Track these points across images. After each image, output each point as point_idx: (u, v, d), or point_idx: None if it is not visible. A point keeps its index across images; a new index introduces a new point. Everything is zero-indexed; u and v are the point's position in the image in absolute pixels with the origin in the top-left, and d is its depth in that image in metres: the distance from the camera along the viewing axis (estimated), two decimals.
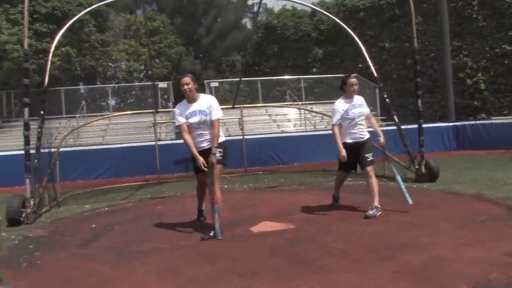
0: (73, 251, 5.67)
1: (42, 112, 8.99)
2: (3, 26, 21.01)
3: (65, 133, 12.13)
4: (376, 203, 6.42)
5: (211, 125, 6.01)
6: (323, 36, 31.75)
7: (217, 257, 4.88)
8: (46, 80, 9.23)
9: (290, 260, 4.59)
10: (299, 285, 3.85)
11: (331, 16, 14.76)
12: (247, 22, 41.13)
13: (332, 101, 23.32)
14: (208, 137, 6.06)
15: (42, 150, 8.86)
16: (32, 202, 7.84)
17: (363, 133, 6.79)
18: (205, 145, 6.10)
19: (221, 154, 5.98)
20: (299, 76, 26.44)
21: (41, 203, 8.46)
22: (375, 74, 11.03)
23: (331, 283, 3.86)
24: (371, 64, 11.08)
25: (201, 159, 5.88)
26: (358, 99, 6.84)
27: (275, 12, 34.00)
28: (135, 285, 4.19)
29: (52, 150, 9.94)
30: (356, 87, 6.80)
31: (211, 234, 5.72)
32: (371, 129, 6.92)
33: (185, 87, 6.00)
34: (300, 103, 23.93)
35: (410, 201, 6.55)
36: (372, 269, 4.14)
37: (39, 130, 8.76)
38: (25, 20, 8.01)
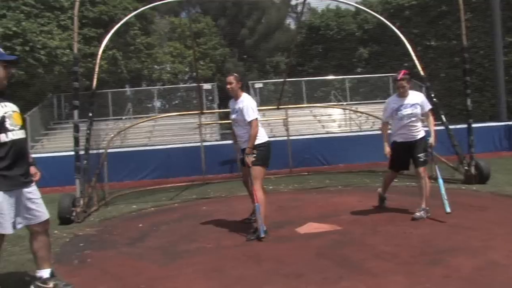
0: (121, 249, 5.79)
1: (90, 114, 9.21)
2: (54, 32, 21.62)
3: (112, 135, 12.38)
4: (424, 205, 6.29)
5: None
6: (367, 36, 31.34)
7: (263, 258, 4.89)
8: (95, 83, 9.44)
9: (337, 262, 4.56)
10: (345, 287, 3.81)
11: (376, 14, 14.56)
12: (291, 23, 41.09)
13: (377, 101, 23.20)
14: (245, 137, 6.11)
15: (91, 151, 9.07)
16: (82, 202, 8.06)
17: (415, 133, 6.63)
18: (242, 144, 6.20)
19: (256, 156, 5.95)
20: (344, 76, 26.19)
21: (90, 203, 8.67)
22: (422, 73, 10.76)
23: (378, 286, 3.81)
24: (417, 63, 10.84)
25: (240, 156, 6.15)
26: (413, 98, 6.63)
27: (318, 12, 33.74)
28: (182, 284, 4.24)
29: (100, 151, 10.16)
30: (403, 89, 6.64)
31: (256, 235, 5.74)
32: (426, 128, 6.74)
33: (228, 86, 6.19)
34: (345, 103, 23.72)
35: (448, 210, 6.14)
36: (421, 273, 4.06)
37: (88, 131, 8.97)
38: (75, 26, 8.24)
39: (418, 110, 6.60)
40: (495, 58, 20.67)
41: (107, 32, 10.32)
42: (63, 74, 22.45)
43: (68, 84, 23.09)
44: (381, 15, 15.14)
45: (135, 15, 22.12)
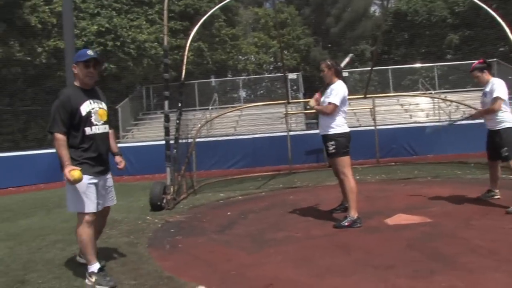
0: (211, 236, 5.92)
1: (180, 105, 9.47)
2: (143, 26, 22.45)
3: (200, 125, 12.67)
4: None
5: None
6: (458, 20, 29.90)
7: (352, 248, 4.83)
8: (183, 74, 9.69)
9: (428, 255, 4.40)
10: (438, 282, 3.67)
11: None
12: (375, 9, 40.10)
13: (468, 89, 22.13)
14: (324, 124, 6.10)
15: (180, 141, 9.34)
16: (172, 189, 8.32)
17: (492, 122, 6.37)
18: (322, 132, 6.19)
19: (333, 146, 5.94)
20: (432, 64, 25.19)
21: (179, 191, 8.96)
22: None
23: (475, 283, 3.62)
24: None
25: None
26: (491, 86, 6.38)
27: None
28: (271, 271, 4.26)
29: (189, 140, 10.44)
30: (476, 79, 6.60)
31: (344, 223, 5.73)
32: None
33: (321, 73, 6.21)
34: (433, 91, 22.84)
35: None
36: None
37: (178, 121, 9.23)
38: (165, 19, 8.49)
39: (491, 97, 6.34)
40: None
41: (193, 25, 10.54)
42: (151, 66, 23.32)
43: (155, 76, 23.99)
44: None
45: (220, 8, 22.50)
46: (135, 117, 23.94)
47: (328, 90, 6.05)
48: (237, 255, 4.92)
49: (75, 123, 4.24)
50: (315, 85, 32.66)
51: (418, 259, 4.31)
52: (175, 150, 8.90)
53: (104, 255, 4.91)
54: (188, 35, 10.72)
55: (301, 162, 14.10)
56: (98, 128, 4.38)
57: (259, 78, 29.18)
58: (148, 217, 7.31)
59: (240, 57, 30.21)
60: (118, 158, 4.80)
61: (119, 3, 22.11)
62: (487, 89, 6.37)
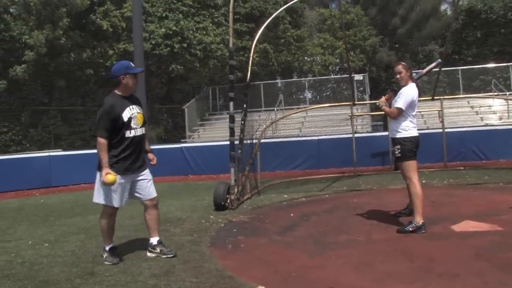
0: (272, 237, 5.96)
1: (245, 106, 9.57)
2: (209, 29, 22.88)
3: (265, 126, 12.74)
4: None
5: None
6: None
7: (415, 254, 4.74)
8: (249, 76, 9.78)
9: (498, 266, 4.22)
10: None
11: None
12: (445, 8, 38.85)
13: None
14: (393, 128, 6.13)
15: (245, 142, 9.44)
16: (236, 190, 8.42)
17: None
18: (391, 135, 6.23)
19: (398, 150, 5.89)
20: (507, 64, 24.14)
21: (243, 191, 9.04)
22: None
23: None
24: None
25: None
26: None
27: None
28: (332, 275, 4.26)
29: (254, 141, 10.52)
30: None
31: (408, 228, 5.64)
32: None
33: (397, 75, 6.09)
34: (507, 93, 21.90)
35: None
36: None
37: (242, 122, 9.33)
38: (230, 21, 8.62)
39: None
40: None
41: (258, 26, 10.63)
42: (217, 68, 23.73)
43: (221, 77, 24.35)
44: None
45: (285, 9, 22.57)
46: (201, 118, 24.40)
47: (399, 93, 5.96)
48: (298, 257, 4.93)
49: (118, 128, 4.86)
50: (381, 86, 32.19)
51: (486, 269, 4.15)
52: (239, 151, 9.01)
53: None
54: (254, 37, 10.82)
55: (366, 164, 13.85)
56: (136, 131, 4.98)
57: (324, 79, 29.01)
58: (211, 217, 7.44)
59: (306, 58, 30.11)
60: (150, 155, 5.34)
61: (187, 7, 22.68)
62: None
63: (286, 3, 24.07)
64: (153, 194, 5.20)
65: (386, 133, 13.87)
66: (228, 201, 8.12)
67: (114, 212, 5.11)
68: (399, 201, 7.25)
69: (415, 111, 5.97)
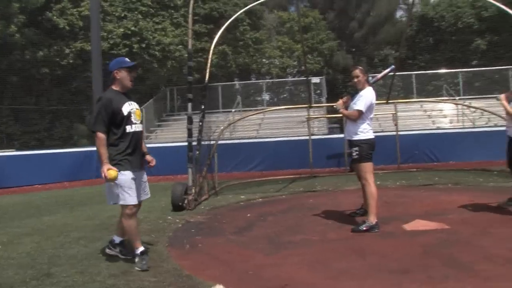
0: (229, 237, 6.04)
1: (203, 107, 9.61)
2: (168, 29, 22.77)
3: (223, 127, 12.78)
4: None
5: None
6: (485, 24, 29.53)
7: (367, 252, 4.89)
8: (207, 77, 9.83)
9: (444, 262, 4.43)
10: None
11: (496, 3, 13.75)
12: (401, 15, 39.81)
13: (494, 95, 21.78)
14: (351, 130, 6.22)
15: (202, 143, 9.47)
16: (193, 190, 8.46)
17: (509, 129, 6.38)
18: (348, 137, 6.32)
19: (356, 152, 6.05)
20: (457, 70, 24.95)
21: (200, 192, 9.08)
22: None
23: None
24: None
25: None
26: None
27: (432, 2, 32.39)
28: (287, 273, 4.35)
29: (211, 142, 10.56)
30: None
31: (362, 227, 5.82)
32: None
33: (355, 79, 6.24)
34: (457, 98, 22.63)
35: None
36: None
37: (200, 123, 9.37)
38: (190, 22, 8.66)
39: None
40: None
41: (217, 28, 10.67)
42: (175, 69, 23.65)
43: (179, 77, 24.27)
44: (504, 0, 14.22)
45: (244, 11, 22.66)
46: (159, 118, 24.21)
47: (357, 96, 6.11)
48: (254, 256, 5.02)
49: (117, 122, 4.71)
50: (338, 89, 32.68)
51: (433, 265, 4.35)
52: (197, 152, 9.03)
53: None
54: (213, 38, 10.86)
55: (322, 166, 14.10)
56: (137, 126, 4.85)
57: (282, 82, 29.25)
58: (169, 217, 7.45)
59: (264, 60, 30.29)
60: (149, 157, 5.16)
61: (146, 7, 22.48)
62: None
63: (245, 5, 24.18)
64: (148, 194, 5.14)
65: (342, 135, 14.11)
66: (186, 201, 8.15)
67: (135, 211, 4.84)
68: (354, 202, 7.47)
69: (372, 114, 6.16)
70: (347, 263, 4.56)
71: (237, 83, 28.41)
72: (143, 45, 21.51)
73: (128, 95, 4.94)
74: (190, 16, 8.68)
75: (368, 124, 6.08)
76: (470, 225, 5.91)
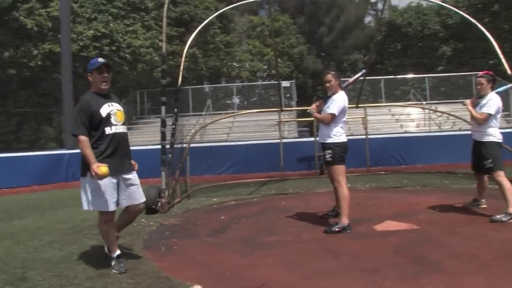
0: (204, 239, 6.09)
1: (176, 110, 9.63)
2: (139, 32, 22.67)
3: (193, 130, 12.82)
4: (508, 209, 6.15)
5: None
6: (450, 32, 30.36)
7: (341, 253, 5.02)
8: (180, 80, 9.87)
9: (414, 260, 4.60)
10: (423, 285, 3.88)
11: (459, 11, 14.19)
12: (370, 20, 40.53)
13: (459, 100, 22.38)
14: (324, 133, 6.34)
15: (175, 146, 9.50)
16: (166, 193, 8.48)
17: (479, 134, 6.63)
18: (321, 140, 6.43)
19: (330, 155, 6.17)
20: (424, 75, 25.54)
21: (173, 195, 9.11)
22: (509, 71, 10.31)
23: (457, 286, 3.84)
24: (504, 61, 10.44)
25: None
26: (488, 100, 6.54)
27: (399, 9, 33.10)
28: (263, 273, 4.44)
29: (184, 145, 10.59)
30: (479, 86, 6.69)
31: (334, 228, 5.96)
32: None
33: (327, 84, 6.38)
34: (424, 102, 23.16)
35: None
36: (504, 276, 4.02)
37: (173, 127, 9.40)
38: (164, 26, 8.70)
39: (484, 109, 6.54)
40: None
41: (188, 31, 10.72)
42: (145, 71, 23.52)
43: (149, 81, 24.16)
44: (467, 10, 14.69)
45: (216, 15, 22.74)
46: (129, 121, 24.04)
47: (330, 100, 6.25)
48: (230, 258, 5.09)
49: (96, 124, 4.62)
50: (308, 93, 33.00)
51: (404, 263, 4.51)
52: (170, 155, 9.06)
53: (101, 254, 5.07)
54: (184, 41, 10.92)
55: (292, 169, 14.26)
56: (118, 128, 4.74)
57: (252, 86, 29.41)
58: (143, 220, 7.44)
59: (234, 64, 30.41)
60: (132, 162, 5.03)
61: (116, 9, 22.35)
62: (484, 101, 6.56)
63: (216, 8, 24.30)
64: (140, 199, 4.94)
65: (312, 139, 14.34)
66: (159, 204, 8.16)
67: (111, 217, 4.76)
68: (325, 204, 7.62)
69: (345, 117, 6.31)
70: (322, 263, 4.68)
71: (206, 87, 28.45)
72: (114, 48, 21.39)
73: (109, 96, 4.87)
74: (164, 19, 8.72)
75: (341, 127, 6.23)
76: (438, 225, 6.13)
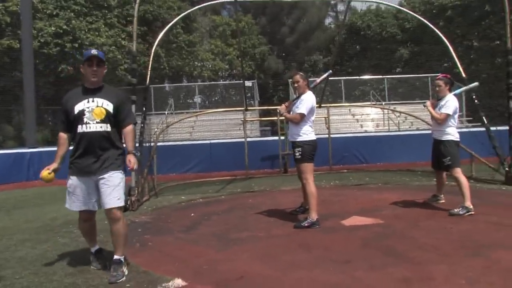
0: (178, 235, 6.23)
1: (144, 109, 9.71)
2: (101, 30, 22.46)
3: (157, 129, 12.87)
4: (467, 203, 6.57)
5: None
6: (408, 35, 31.27)
7: (312, 246, 5.27)
8: (148, 79, 9.96)
9: (382, 251, 4.90)
10: (391, 273, 4.16)
11: (415, 15, 14.70)
12: (330, 22, 41.19)
13: (416, 101, 23.20)
14: (294, 131, 6.59)
15: (144, 145, 9.58)
16: (136, 191, 8.56)
17: (439, 133, 7.01)
18: (291, 139, 6.69)
19: (299, 152, 6.43)
20: (383, 76, 26.24)
21: (142, 193, 9.18)
22: (463, 74, 10.77)
23: (422, 273, 4.13)
24: (458, 64, 10.92)
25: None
26: (446, 101, 6.94)
27: (359, 12, 33.86)
28: (241, 266, 4.64)
29: (151, 144, 10.66)
30: (437, 88, 7.10)
31: (304, 224, 6.21)
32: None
33: (295, 84, 6.70)
34: (383, 103, 23.82)
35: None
36: (462, 263, 4.36)
37: (142, 125, 9.47)
38: (134, 26, 8.76)
39: (443, 110, 6.93)
40: None
41: (151, 31, 10.77)
42: (108, 70, 23.19)
43: (111, 79, 23.90)
44: (423, 14, 15.20)
45: (177, 14, 22.74)
46: None
47: (299, 100, 6.50)
48: (206, 252, 5.26)
49: (71, 122, 4.45)
50: (269, 93, 33.33)
51: (372, 255, 4.80)
52: (139, 153, 9.13)
53: (77, 252, 5.18)
54: (146, 40, 10.98)
55: (256, 167, 14.47)
56: (90, 126, 4.38)
57: (214, 85, 29.51)
58: None
59: (196, 63, 30.44)
60: (128, 157, 4.56)
61: (79, 5, 22.09)
62: (442, 102, 6.96)
63: (179, 8, 24.29)
64: (110, 203, 4.43)
65: (276, 138, 14.59)
66: (129, 202, 8.23)
67: (86, 217, 4.64)
68: (292, 201, 7.93)
69: (313, 117, 6.57)
70: (294, 256, 4.90)
71: (167, 86, 28.39)
72: (76, 45, 21.14)
73: (100, 90, 4.57)
74: (135, 20, 8.77)
75: (310, 126, 6.50)
76: (401, 219, 6.49)
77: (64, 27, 20.85)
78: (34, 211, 8.83)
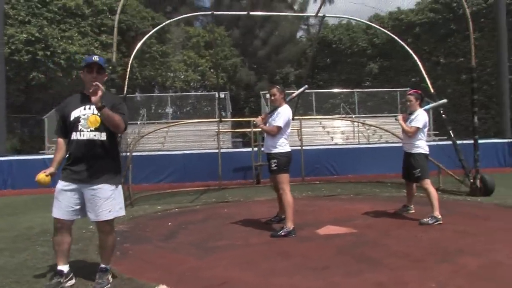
0: (157, 244, 6.35)
1: None
2: (74, 38, 22.38)
3: (130, 139, 12.90)
4: (435, 213, 6.92)
5: None
6: (377, 50, 32.00)
7: (290, 254, 5.46)
8: (125, 88, 10.06)
9: (356, 259, 5.13)
10: (367, 278, 4.39)
11: (386, 31, 15.13)
12: (301, 35, 41.73)
13: (384, 115, 23.72)
14: (269, 143, 6.80)
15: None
16: None
17: (409, 146, 7.35)
18: (266, 151, 6.88)
19: (275, 164, 6.64)
20: (353, 90, 26.76)
21: None
22: (431, 89, 11.16)
23: (396, 278, 4.38)
24: (427, 79, 11.32)
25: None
26: (416, 116, 7.29)
27: (330, 26, 34.44)
28: (222, 273, 4.80)
29: (127, 154, 10.72)
30: (408, 103, 7.50)
31: (280, 233, 6.40)
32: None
33: (272, 97, 6.89)
34: (353, 116, 24.29)
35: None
36: (432, 269, 4.65)
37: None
38: (114, 37, 8.88)
39: (413, 123, 7.29)
40: (500, 76, 20.91)
41: (125, 41, 10.87)
42: (80, 78, 23.10)
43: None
44: (391, 31, 15.64)
45: (151, 24, 22.87)
46: None
47: (275, 113, 6.71)
48: (187, 260, 5.39)
49: (67, 129, 4.41)
50: (240, 104, 33.56)
51: (348, 261, 5.03)
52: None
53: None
54: (120, 50, 11.08)
55: (229, 178, 14.62)
56: (84, 134, 4.33)
57: (187, 96, 29.60)
58: (90, 226, 7.42)
59: (169, 73, 30.49)
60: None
61: (51, 13, 21.96)
62: (413, 116, 7.31)
63: (153, 18, 24.39)
64: (100, 216, 4.39)
65: (249, 149, 14.77)
66: None
67: (61, 225, 4.39)
68: (267, 211, 8.16)
69: (289, 129, 6.80)
70: (274, 263, 5.09)
71: (138, 96, 28.36)
72: (48, 53, 21.02)
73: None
74: (115, 30, 8.90)
75: (285, 138, 6.71)
76: (374, 228, 6.77)
77: (36, 34, 20.74)
78: (7, 220, 8.79)
